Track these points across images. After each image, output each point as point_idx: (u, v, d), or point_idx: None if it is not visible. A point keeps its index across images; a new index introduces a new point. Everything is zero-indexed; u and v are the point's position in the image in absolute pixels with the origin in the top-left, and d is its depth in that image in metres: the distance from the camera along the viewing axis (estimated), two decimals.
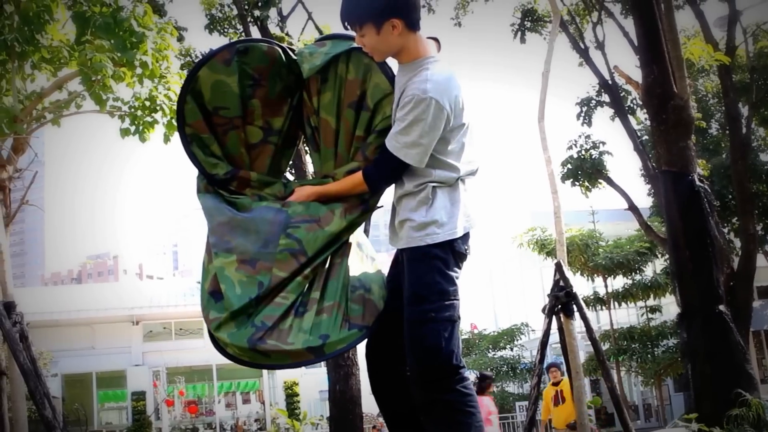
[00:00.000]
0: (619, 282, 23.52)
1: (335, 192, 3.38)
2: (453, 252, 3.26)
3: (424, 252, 3.21)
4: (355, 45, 3.34)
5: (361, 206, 3.43)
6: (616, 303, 23.38)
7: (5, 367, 5.72)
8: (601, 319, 24.79)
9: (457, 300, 3.24)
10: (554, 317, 4.72)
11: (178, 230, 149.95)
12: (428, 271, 3.20)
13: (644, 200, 22.03)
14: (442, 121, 3.15)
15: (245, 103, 3.37)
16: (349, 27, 3.23)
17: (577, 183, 18.02)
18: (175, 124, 7.10)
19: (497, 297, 37.43)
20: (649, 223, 17.99)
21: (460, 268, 3.30)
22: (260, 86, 3.37)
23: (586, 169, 17.83)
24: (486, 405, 11.39)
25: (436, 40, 3.38)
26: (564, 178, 17.94)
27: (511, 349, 28.77)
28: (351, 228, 3.44)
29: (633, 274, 23.04)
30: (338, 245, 3.40)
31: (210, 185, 3.41)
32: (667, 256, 15.38)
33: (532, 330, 28.33)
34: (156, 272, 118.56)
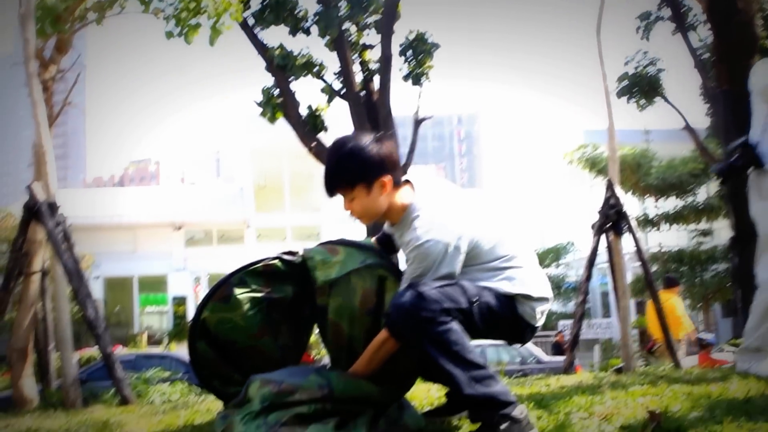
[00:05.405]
0: (670, 203, 23.19)
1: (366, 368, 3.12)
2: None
3: None
4: (369, 261, 3.21)
5: None
6: (666, 225, 23.08)
7: (47, 267, 5.80)
8: (650, 241, 24.57)
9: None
10: (603, 235, 4.61)
11: (220, 137, 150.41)
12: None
13: (702, 120, 21.52)
14: (449, 254, 2.96)
15: (256, 326, 3.25)
16: (337, 192, 3.10)
17: (632, 99, 17.68)
18: (219, 28, 6.99)
19: (544, 214, 37.18)
20: (705, 144, 17.61)
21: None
22: (270, 297, 3.28)
23: (642, 86, 17.45)
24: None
25: (407, 182, 3.20)
26: (619, 94, 17.61)
27: (557, 267, 28.76)
28: None
29: (685, 195, 22.69)
30: None
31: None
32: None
33: (578, 249, 28.23)
34: (198, 179, 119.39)
